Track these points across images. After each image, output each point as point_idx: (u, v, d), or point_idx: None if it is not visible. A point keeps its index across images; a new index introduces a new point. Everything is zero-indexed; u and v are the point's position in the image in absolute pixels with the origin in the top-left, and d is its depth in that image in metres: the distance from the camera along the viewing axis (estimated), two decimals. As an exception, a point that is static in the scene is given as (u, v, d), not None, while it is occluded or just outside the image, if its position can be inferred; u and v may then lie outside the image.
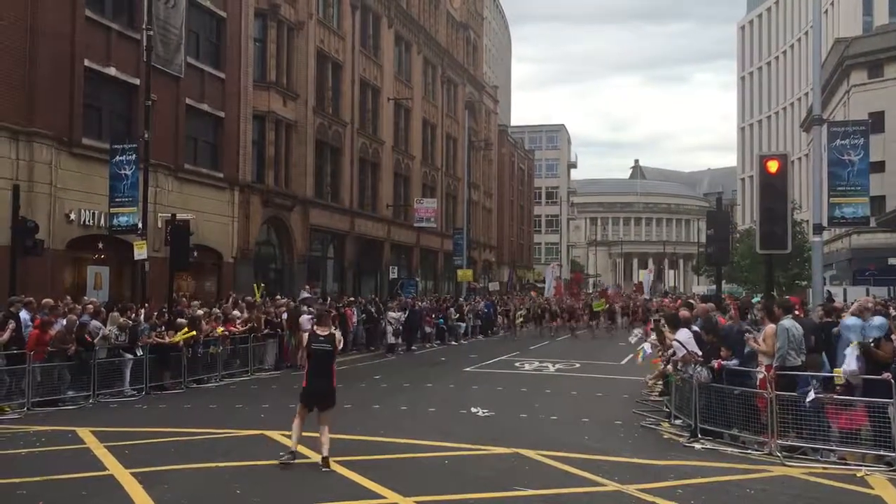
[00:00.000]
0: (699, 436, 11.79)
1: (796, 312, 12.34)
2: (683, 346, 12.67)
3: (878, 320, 11.51)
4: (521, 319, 36.54)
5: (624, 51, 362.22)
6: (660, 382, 16.04)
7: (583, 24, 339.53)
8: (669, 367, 13.66)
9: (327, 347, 9.92)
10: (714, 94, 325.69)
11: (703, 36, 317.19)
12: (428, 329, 30.93)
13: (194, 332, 18.22)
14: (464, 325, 34.22)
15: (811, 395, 10.39)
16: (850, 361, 10.59)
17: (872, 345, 10.61)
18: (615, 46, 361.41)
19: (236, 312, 21.44)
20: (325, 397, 9.93)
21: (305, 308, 23.46)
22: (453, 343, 31.56)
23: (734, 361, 11.85)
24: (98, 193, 21.20)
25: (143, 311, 18.44)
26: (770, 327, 11.37)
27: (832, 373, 10.89)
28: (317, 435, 9.87)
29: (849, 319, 11.86)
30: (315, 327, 10.17)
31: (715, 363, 11.94)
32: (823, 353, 11.72)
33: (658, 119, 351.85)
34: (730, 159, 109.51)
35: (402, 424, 12.82)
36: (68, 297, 17.67)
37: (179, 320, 18.45)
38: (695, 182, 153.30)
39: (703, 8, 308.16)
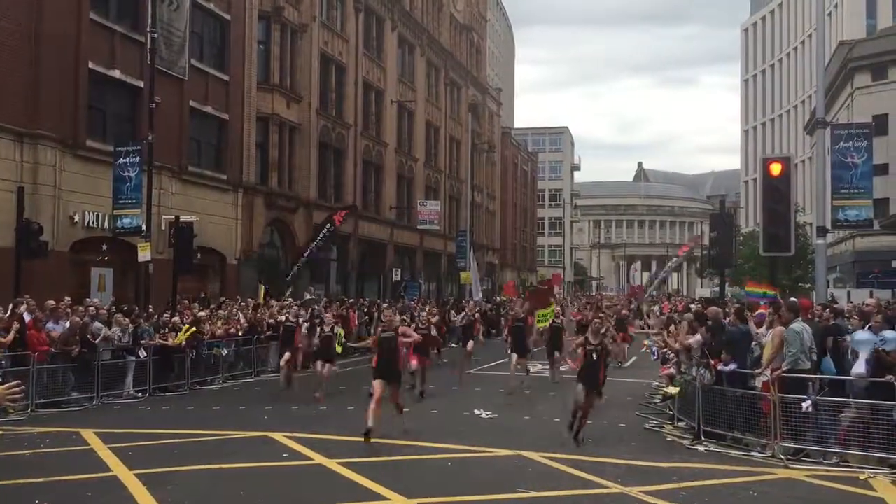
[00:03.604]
0: (702, 438, 11.80)
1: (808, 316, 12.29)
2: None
3: (889, 335, 11.23)
4: None
5: (635, 53, 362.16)
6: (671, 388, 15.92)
7: (594, 27, 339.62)
8: (672, 370, 13.66)
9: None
10: (722, 97, 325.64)
11: (714, 38, 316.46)
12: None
13: (194, 329, 18.22)
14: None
15: (807, 404, 10.40)
16: (860, 365, 10.63)
17: (883, 351, 10.61)
18: (627, 49, 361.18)
19: (240, 315, 21.50)
20: None
21: (302, 311, 23.36)
22: (453, 345, 31.49)
23: (732, 366, 11.84)
24: (102, 195, 21.26)
25: (146, 313, 18.49)
26: (778, 329, 11.33)
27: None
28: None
29: (860, 334, 11.41)
30: None
31: (712, 362, 11.95)
32: (830, 359, 11.69)
33: (667, 121, 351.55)
34: (735, 161, 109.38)
35: (405, 426, 12.82)
36: (68, 298, 17.65)
37: (174, 319, 18.48)
38: (698, 184, 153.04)
39: (715, 10, 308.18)
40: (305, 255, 31.51)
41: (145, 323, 17.81)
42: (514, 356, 17.97)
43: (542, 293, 21.92)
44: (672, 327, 16.20)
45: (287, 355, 16.96)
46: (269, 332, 21.54)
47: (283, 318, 19.12)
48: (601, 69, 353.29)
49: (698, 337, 12.92)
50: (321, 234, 32.07)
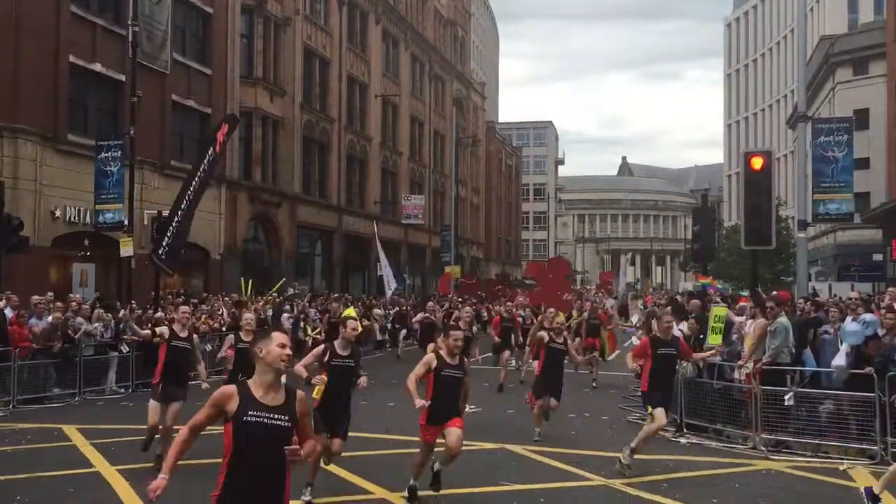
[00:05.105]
0: (685, 430, 11.88)
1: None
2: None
3: (869, 317, 11.38)
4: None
5: (620, 48, 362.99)
6: None
7: (579, 22, 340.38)
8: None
9: None
10: (706, 92, 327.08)
11: (700, 33, 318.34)
12: (415, 326, 30.88)
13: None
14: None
15: (789, 396, 10.51)
16: (840, 357, 10.74)
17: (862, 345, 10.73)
18: (611, 44, 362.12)
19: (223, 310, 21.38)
20: None
21: (287, 306, 23.33)
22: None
23: (717, 358, 11.92)
24: (84, 190, 21.11)
25: (128, 308, 18.37)
26: (760, 322, 11.41)
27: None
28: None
29: (849, 325, 11.41)
30: None
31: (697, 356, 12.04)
32: (810, 351, 11.81)
33: (651, 116, 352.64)
34: (719, 156, 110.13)
35: (390, 420, 12.83)
36: (50, 294, 17.52)
37: (157, 315, 18.33)
38: (682, 179, 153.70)
39: (699, 5, 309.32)
40: (183, 206, 18.55)
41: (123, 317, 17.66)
42: (548, 401, 11.35)
43: (558, 267, 17.66)
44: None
45: (152, 411, 9.93)
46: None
47: (163, 330, 10.51)
48: (586, 64, 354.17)
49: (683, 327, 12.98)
50: (205, 161, 18.91)
